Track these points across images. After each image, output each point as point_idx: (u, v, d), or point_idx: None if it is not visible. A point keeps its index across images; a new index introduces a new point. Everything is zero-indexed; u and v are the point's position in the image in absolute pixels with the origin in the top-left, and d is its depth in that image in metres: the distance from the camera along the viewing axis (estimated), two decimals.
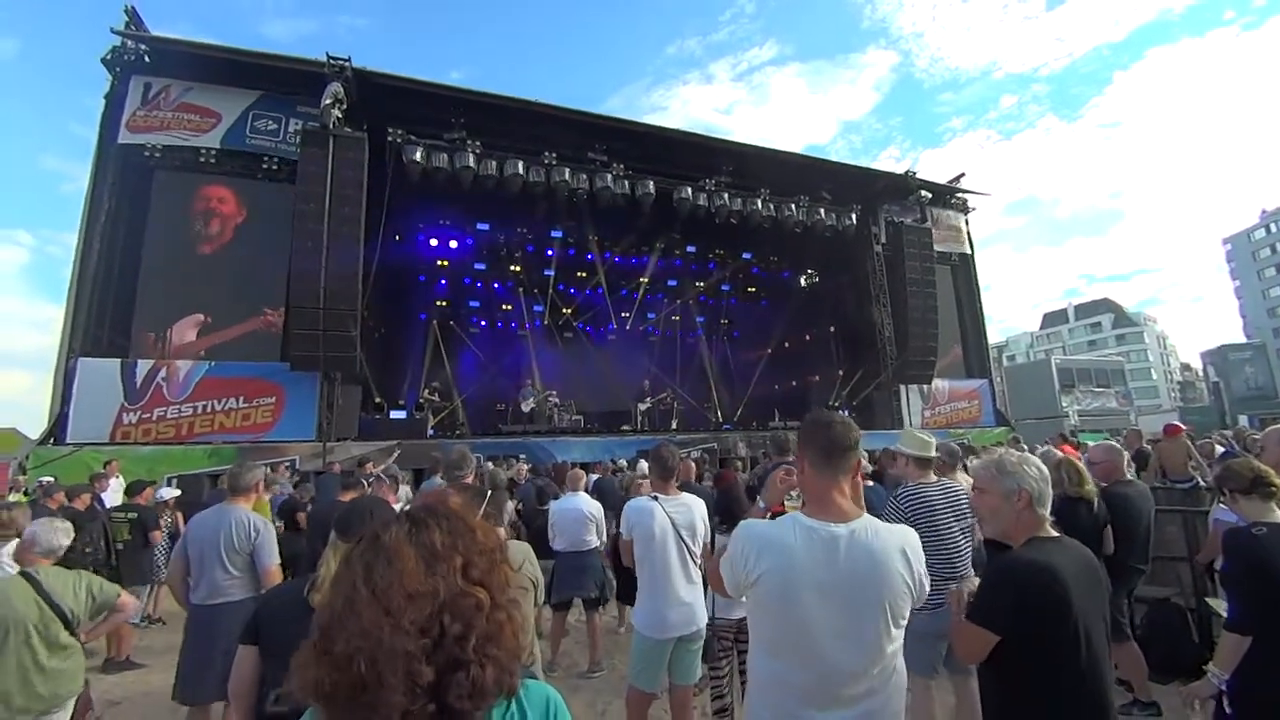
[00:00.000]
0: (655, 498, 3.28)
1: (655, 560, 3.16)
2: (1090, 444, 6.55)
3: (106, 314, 10.15)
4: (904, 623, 1.51)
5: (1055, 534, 1.83)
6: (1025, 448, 8.06)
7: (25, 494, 7.21)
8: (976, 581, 2.32)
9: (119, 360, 9.94)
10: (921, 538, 3.12)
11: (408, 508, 0.96)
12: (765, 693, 1.54)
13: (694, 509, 3.28)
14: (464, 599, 0.83)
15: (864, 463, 1.68)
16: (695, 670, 3.22)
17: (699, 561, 3.19)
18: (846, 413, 16.43)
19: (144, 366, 10.01)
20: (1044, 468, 1.87)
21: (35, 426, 9.88)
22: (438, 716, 0.78)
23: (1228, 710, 2.03)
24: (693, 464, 7.32)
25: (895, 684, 1.52)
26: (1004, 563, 1.76)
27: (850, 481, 1.61)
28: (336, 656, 0.77)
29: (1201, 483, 6.08)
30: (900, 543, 1.55)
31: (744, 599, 1.61)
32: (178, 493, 6.93)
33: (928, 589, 1.53)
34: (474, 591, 0.85)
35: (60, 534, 2.82)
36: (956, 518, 3.18)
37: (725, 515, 3.75)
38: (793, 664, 1.48)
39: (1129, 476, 4.05)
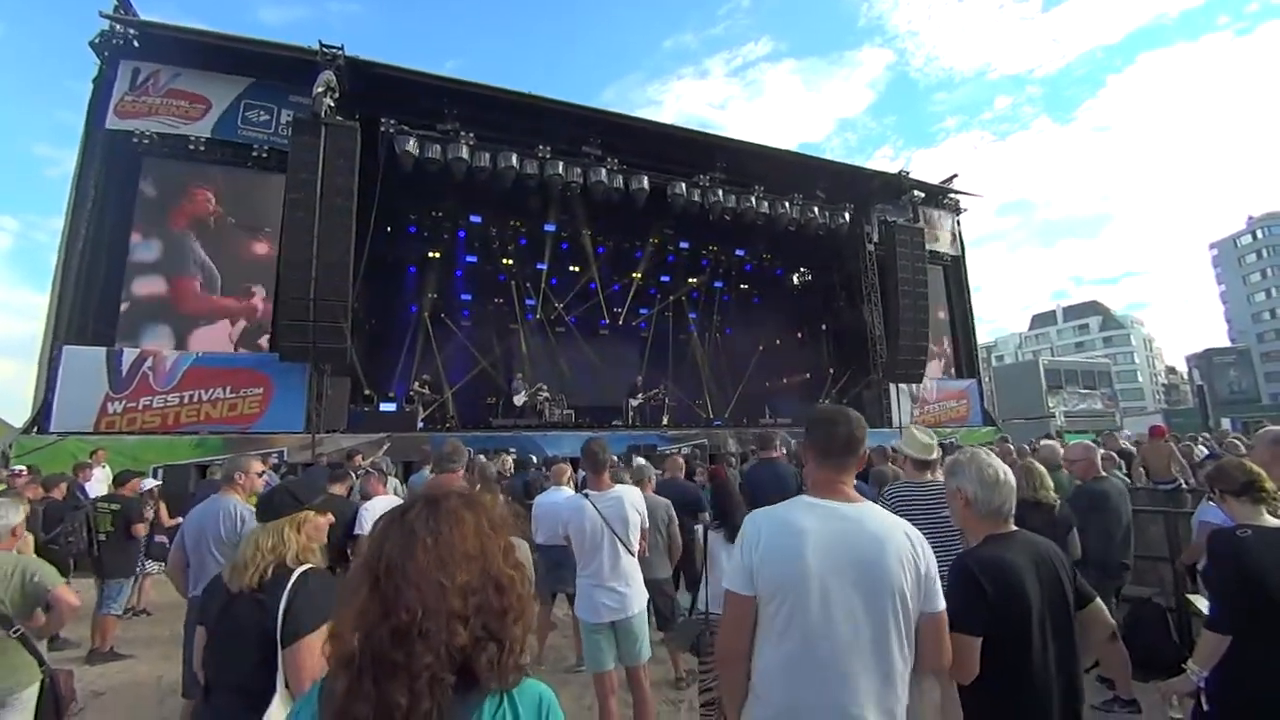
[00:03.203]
0: (586, 494, 3.42)
1: (588, 552, 3.33)
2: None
3: (92, 301, 10.00)
4: (912, 617, 1.47)
5: (1010, 529, 1.86)
6: (1012, 447, 8.13)
7: None
8: None
9: (104, 348, 9.79)
10: None
11: (441, 489, 0.98)
12: (774, 681, 1.47)
13: (624, 500, 3.39)
14: (506, 574, 0.89)
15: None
16: (642, 652, 3.36)
17: (633, 550, 3.36)
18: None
19: (130, 355, 9.87)
20: (990, 470, 1.87)
21: (19, 415, 9.75)
22: (452, 689, 0.81)
23: (1205, 707, 2.06)
24: (682, 460, 7.31)
25: (905, 675, 1.48)
26: (956, 566, 1.78)
27: (851, 476, 1.65)
28: (385, 601, 0.80)
29: (1184, 484, 6.18)
30: (907, 530, 1.55)
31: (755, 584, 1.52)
32: (158, 483, 6.91)
33: (929, 587, 1.51)
34: (513, 571, 0.91)
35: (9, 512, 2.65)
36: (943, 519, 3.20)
37: (719, 513, 3.75)
38: (805, 645, 1.43)
39: (1104, 473, 4.10)
